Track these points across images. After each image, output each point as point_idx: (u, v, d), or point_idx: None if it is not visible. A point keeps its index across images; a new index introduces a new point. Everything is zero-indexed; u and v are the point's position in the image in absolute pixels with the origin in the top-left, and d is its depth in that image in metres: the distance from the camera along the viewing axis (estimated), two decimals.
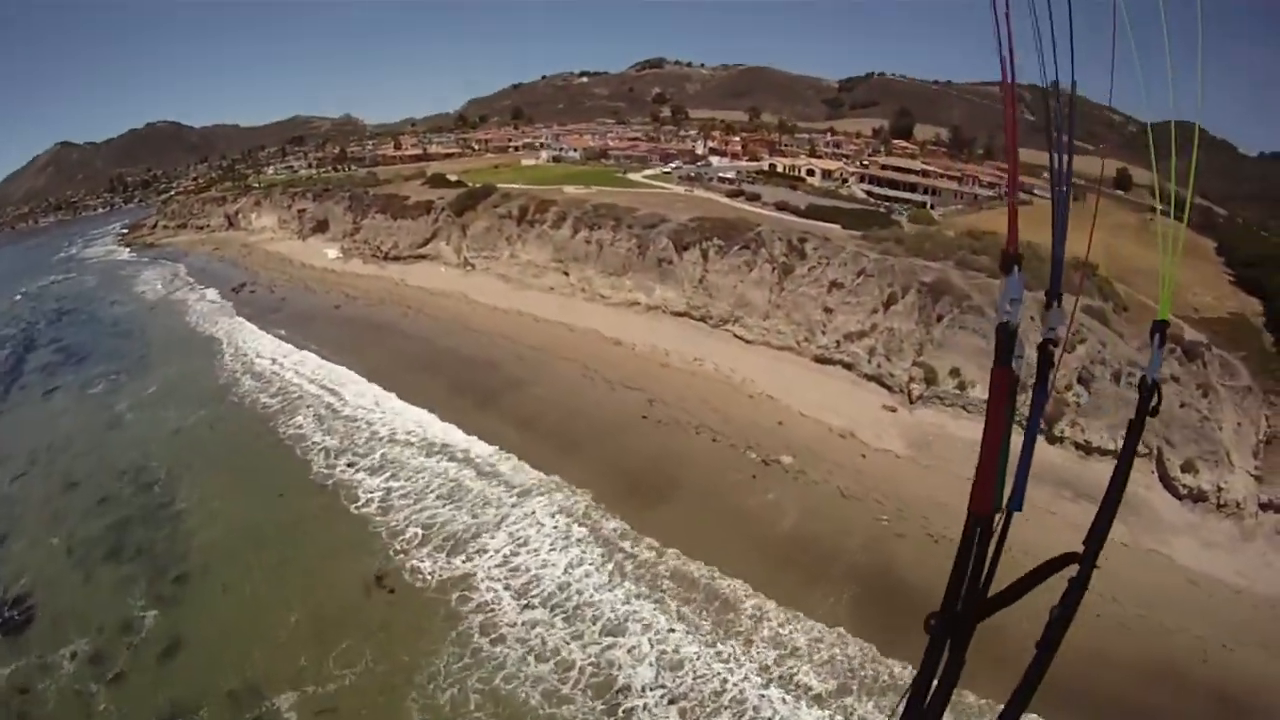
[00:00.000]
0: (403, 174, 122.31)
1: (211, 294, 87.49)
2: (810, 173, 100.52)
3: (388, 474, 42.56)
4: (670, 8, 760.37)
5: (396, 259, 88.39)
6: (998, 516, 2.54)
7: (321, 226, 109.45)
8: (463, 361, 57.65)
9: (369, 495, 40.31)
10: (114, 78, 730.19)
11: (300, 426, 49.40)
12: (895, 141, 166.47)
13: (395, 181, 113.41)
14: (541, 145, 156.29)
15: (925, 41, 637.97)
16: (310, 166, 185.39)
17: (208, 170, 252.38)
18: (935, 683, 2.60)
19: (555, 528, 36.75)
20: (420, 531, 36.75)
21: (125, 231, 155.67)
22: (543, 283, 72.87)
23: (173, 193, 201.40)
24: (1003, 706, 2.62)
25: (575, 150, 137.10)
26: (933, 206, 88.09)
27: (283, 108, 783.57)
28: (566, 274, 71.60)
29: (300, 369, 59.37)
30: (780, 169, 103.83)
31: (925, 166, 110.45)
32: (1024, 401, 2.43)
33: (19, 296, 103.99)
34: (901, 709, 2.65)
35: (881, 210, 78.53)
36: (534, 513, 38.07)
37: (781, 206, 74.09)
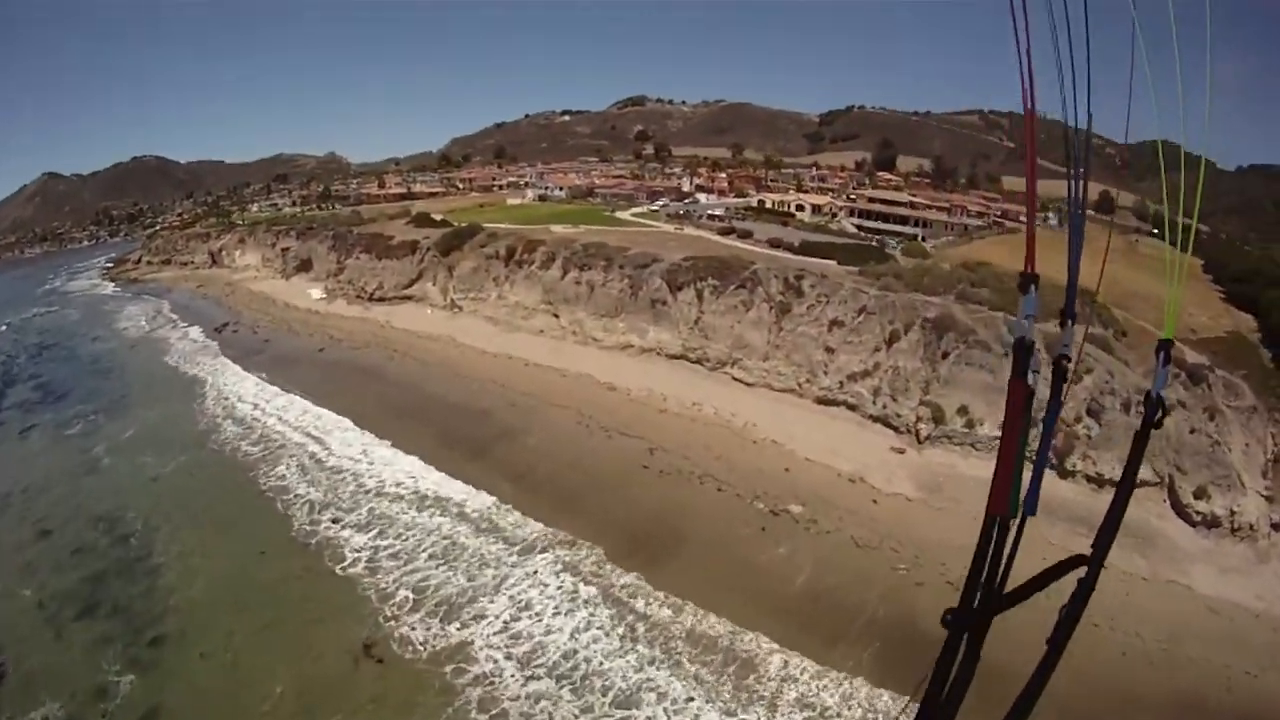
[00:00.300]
0: (386, 213, 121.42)
1: (194, 333, 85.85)
2: (799, 208, 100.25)
3: (376, 531, 40.31)
4: (650, 44, 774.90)
5: (381, 300, 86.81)
6: (1013, 520, 2.64)
7: (305, 266, 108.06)
8: (452, 409, 55.57)
9: (356, 554, 38.01)
10: (102, 109, 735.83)
11: (283, 477, 47.25)
12: (879, 174, 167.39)
13: (379, 220, 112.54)
14: (526, 184, 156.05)
15: (902, 72, 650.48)
16: (294, 204, 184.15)
17: (193, 206, 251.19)
18: (951, 678, 2.63)
19: (560, 588, 34.55)
20: (411, 595, 34.40)
21: (110, 265, 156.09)
22: (532, 325, 71.11)
23: (158, 228, 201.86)
24: (1013, 703, 2.65)
25: (561, 189, 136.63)
26: (924, 239, 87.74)
27: (268, 145, 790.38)
28: (557, 316, 69.88)
29: (284, 415, 57.36)
30: (770, 205, 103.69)
31: (912, 198, 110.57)
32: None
33: (3, 328, 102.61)
34: (917, 705, 2.69)
35: (874, 244, 77.85)
36: (536, 572, 35.86)
37: (775, 244, 73.29)
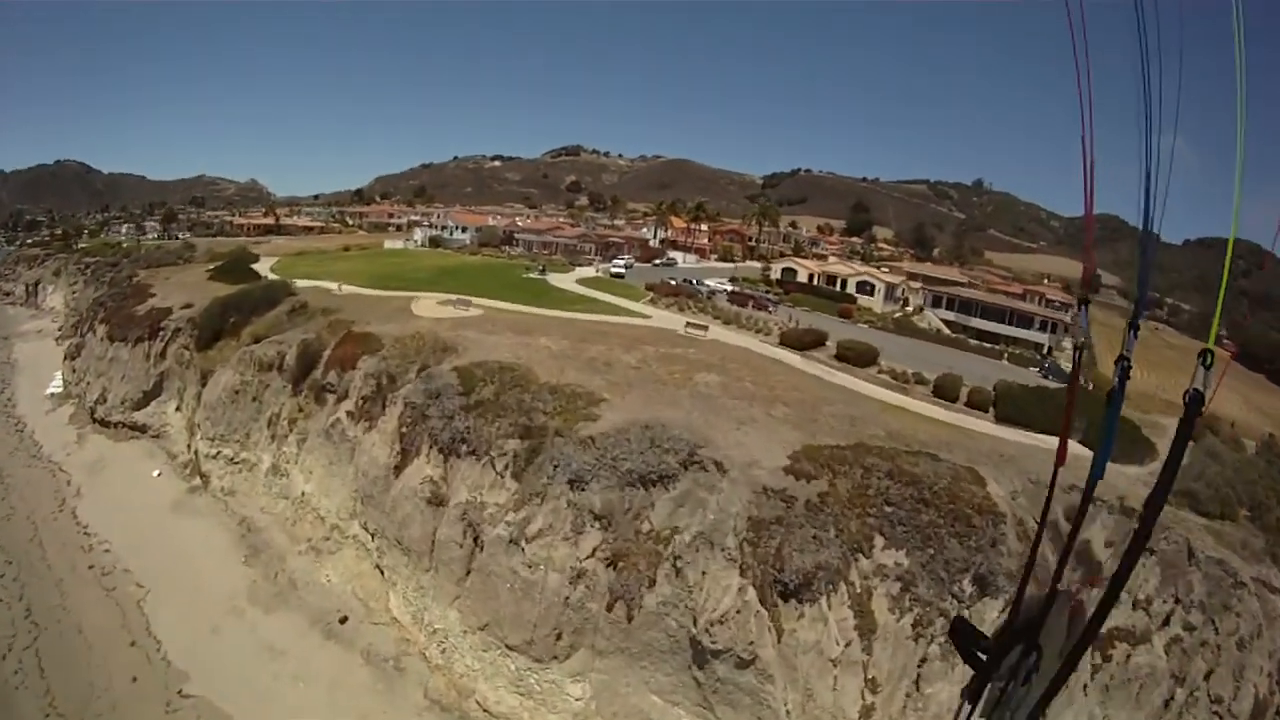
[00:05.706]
0: (217, 250, 73.76)
1: None
2: (866, 288, 56.81)
3: None
4: (588, 96, 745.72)
5: (106, 423, 40.88)
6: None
7: (79, 325, 61.57)
8: None
9: None
10: (37, 102, 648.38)
11: None
12: (878, 243, 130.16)
13: (195, 264, 65.25)
14: (427, 224, 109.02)
15: (848, 138, 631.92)
16: (153, 233, 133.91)
17: (102, 221, 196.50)
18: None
19: None
20: None
21: None
22: (325, 579, 25.14)
23: (28, 241, 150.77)
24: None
25: (466, 230, 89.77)
26: (1050, 350, 52.26)
27: (192, 165, 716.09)
28: (381, 570, 23.69)
29: None
30: (812, 279, 59.34)
31: (971, 280, 72.62)
32: None
33: None
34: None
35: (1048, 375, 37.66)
36: None
37: (947, 396, 28.25)
